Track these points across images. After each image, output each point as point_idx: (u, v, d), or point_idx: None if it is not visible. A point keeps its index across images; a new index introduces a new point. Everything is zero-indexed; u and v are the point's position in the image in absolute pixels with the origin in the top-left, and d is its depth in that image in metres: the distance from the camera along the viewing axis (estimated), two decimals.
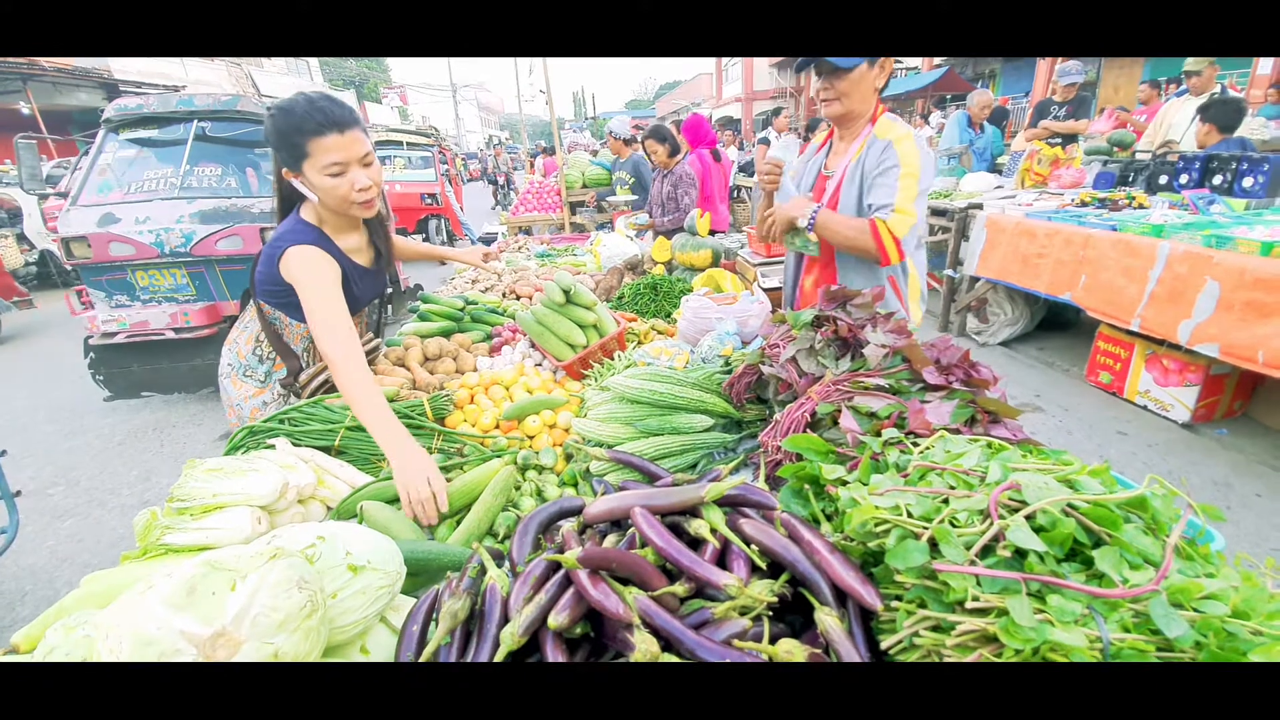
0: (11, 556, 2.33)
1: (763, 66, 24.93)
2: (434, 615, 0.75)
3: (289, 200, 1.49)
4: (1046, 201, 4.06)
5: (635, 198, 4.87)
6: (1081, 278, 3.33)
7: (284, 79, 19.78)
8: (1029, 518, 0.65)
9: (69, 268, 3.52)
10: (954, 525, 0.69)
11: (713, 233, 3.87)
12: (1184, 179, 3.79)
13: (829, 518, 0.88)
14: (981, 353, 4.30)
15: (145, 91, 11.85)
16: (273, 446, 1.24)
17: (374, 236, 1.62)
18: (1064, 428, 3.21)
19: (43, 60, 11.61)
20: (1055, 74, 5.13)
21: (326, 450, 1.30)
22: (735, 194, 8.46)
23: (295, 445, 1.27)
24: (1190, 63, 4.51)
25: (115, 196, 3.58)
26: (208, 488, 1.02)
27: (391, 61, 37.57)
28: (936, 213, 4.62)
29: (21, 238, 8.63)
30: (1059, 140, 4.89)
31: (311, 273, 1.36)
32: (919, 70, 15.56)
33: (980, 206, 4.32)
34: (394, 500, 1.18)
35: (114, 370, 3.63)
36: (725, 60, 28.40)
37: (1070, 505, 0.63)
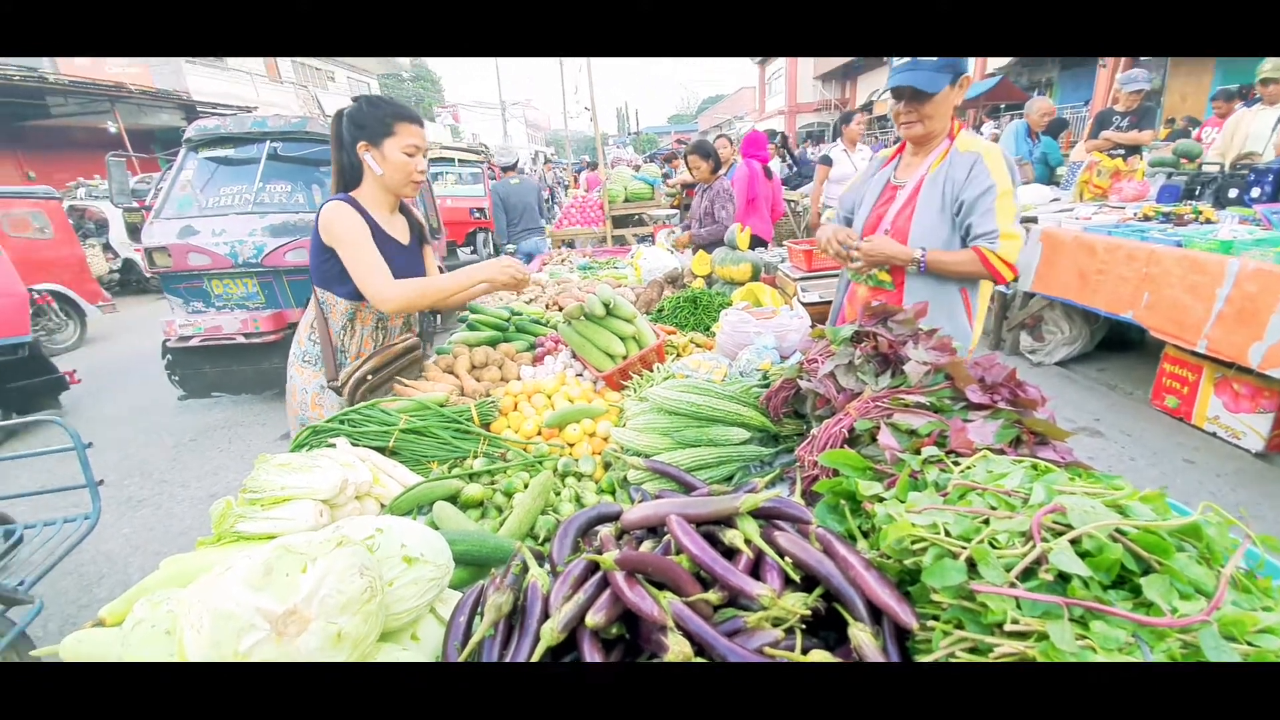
0: (91, 542, 2.49)
1: (806, 79, 24.77)
2: (479, 609, 0.79)
3: (349, 182, 1.72)
4: (1106, 215, 3.88)
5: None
6: (1144, 295, 3.16)
7: (346, 99, 20.97)
8: (1074, 542, 0.64)
9: (150, 276, 3.83)
10: (994, 546, 0.68)
11: (756, 242, 3.87)
12: (1255, 192, 3.56)
13: (865, 535, 0.88)
14: (1036, 372, 4.12)
15: (220, 112, 12.75)
16: (334, 445, 1.32)
17: (410, 220, 1.86)
18: (1126, 454, 3.05)
19: (129, 83, 12.64)
20: (1118, 82, 4.92)
21: (381, 450, 1.38)
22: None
23: (354, 445, 1.35)
24: (1268, 69, 4.24)
25: (194, 210, 3.89)
26: (277, 480, 1.10)
27: (445, 81, 39.29)
28: None
29: (107, 247, 9.41)
30: (1121, 151, 4.67)
31: (344, 224, 1.61)
32: (972, 78, 15.12)
33: (1035, 220, 4.17)
34: (442, 498, 1.24)
35: (188, 371, 3.92)
36: (768, 73, 28.36)
37: (1118, 530, 0.62)
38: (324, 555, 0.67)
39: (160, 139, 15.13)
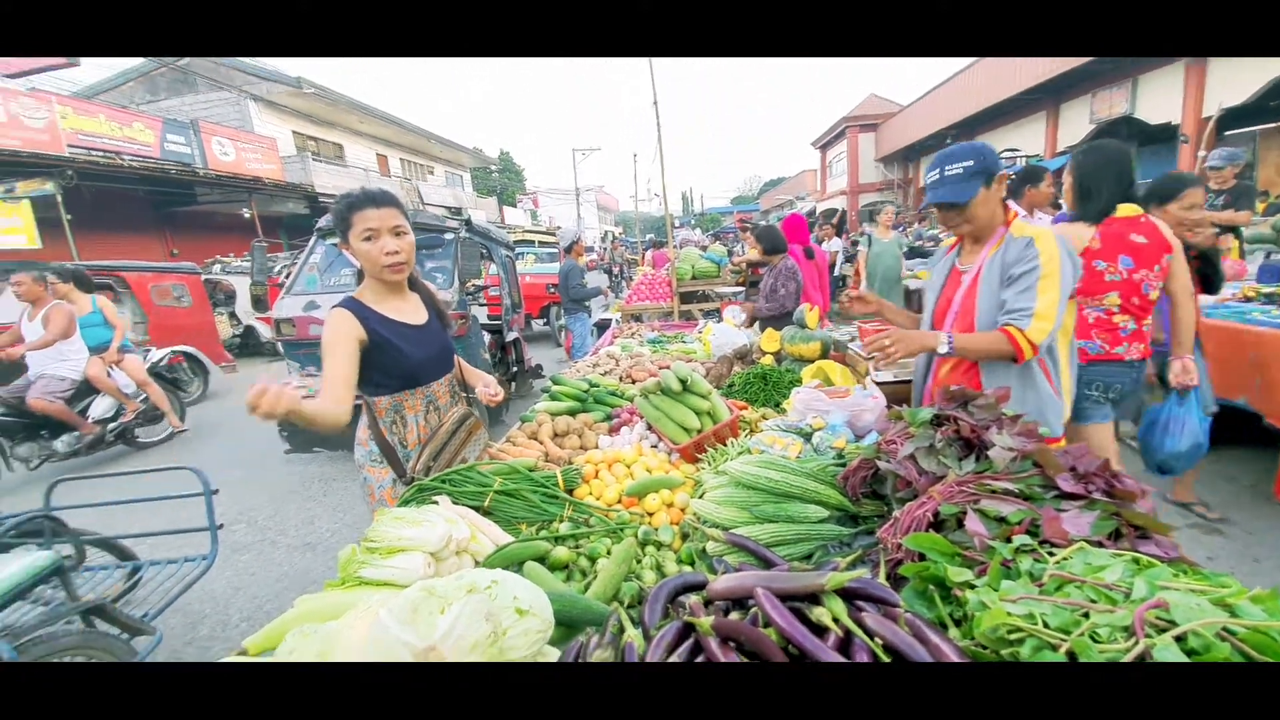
0: (199, 582, 2.72)
1: (868, 160, 25.33)
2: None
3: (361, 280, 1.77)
4: (1203, 295, 3.67)
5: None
6: (1256, 380, 2.92)
7: (443, 190, 23.65)
8: (1179, 639, 0.64)
9: (275, 342, 4.35)
10: (1095, 640, 0.69)
11: None
12: None
13: (956, 623, 0.88)
14: (1140, 460, 3.79)
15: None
16: (436, 502, 1.46)
17: (425, 300, 1.84)
18: (1249, 554, 2.72)
19: (265, 177, 14.72)
20: (1209, 159, 4.76)
21: (477, 509, 1.49)
22: (842, 283, 8.49)
23: (454, 503, 1.48)
24: None
25: (318, 288, 4.45)
26: (394, 532, 1.23)
27: (527, 171, 43.21)
28: None
29: (233, 315, 10.69)
30: (1215, 230, 4.46)
31: (327, 333, 1.60)
32: (1041, 158, 14.98)
33: None
34: (532, 558, 1.32)
35: (296, 427, 4.32)
36: (830, 156, 29.23)
37: (1226, 630, 0.62)
38: (458, 600, 0.76)
39: (286, 225, 17.38)
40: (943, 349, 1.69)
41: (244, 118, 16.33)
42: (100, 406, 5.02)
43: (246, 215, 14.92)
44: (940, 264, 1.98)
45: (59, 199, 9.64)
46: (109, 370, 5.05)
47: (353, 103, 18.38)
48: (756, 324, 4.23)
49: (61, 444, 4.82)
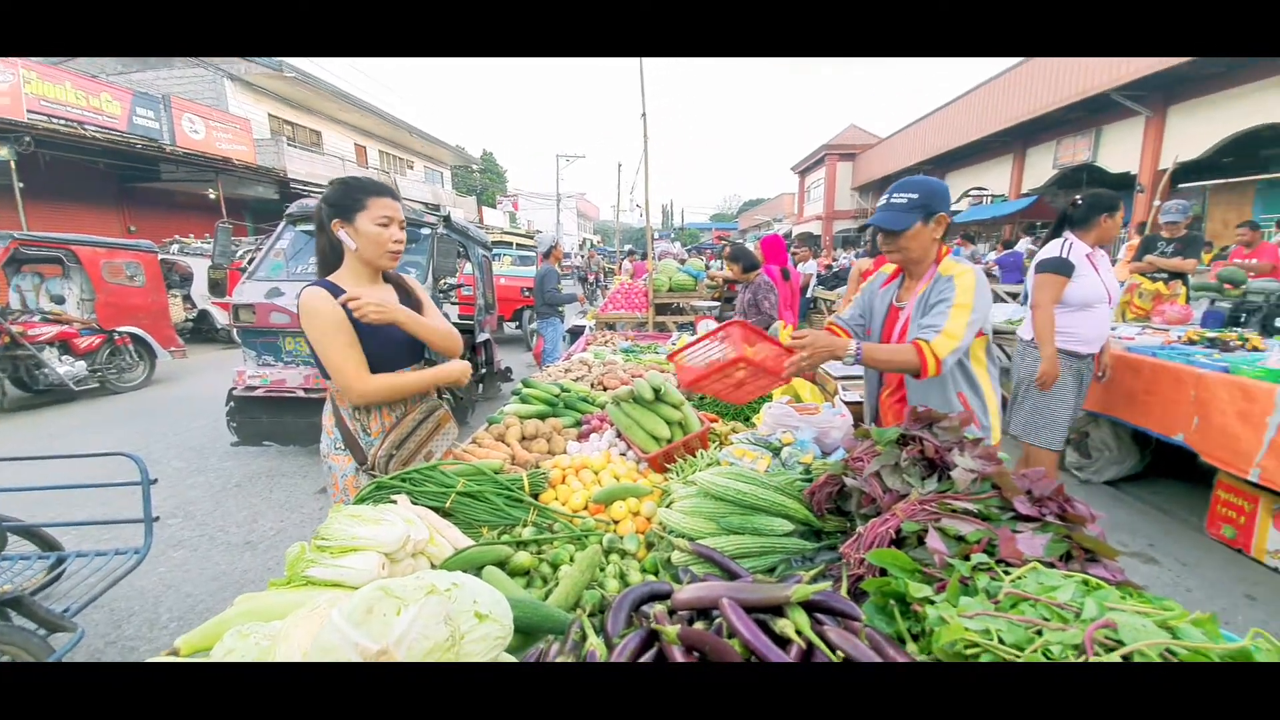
0: (128, 577, 2.55)
1: (845, 188, 26.10)
2: None
3: (331, 264, 1.73)
4: (1150, 337, 3.89)
5: None
6: (1194, 419, 3.09)
7: (421, 185, 23.29)
8: (1125, 658, 0.66)
9: (231, 328, 4.17)
10: (1047, 657, 0.70)
11: None
12: None
13: (915, 638, 0.89)
14: (1084, 490, 3.97)
15: (312, 192, 14.13)
16: (394, 501, 1.41)
17: (399, 289, 1.81)
18: (1181, 584, 2.87)
19: (235, 159, 14.21)
20: (1158, 209, 5.07)
21: (437, 510, 1.45)
22: (814, 305, 8.68)
23: (413, 503, 1.43)
24: None
25: (283, 275, 4.29)
26: (348, 530, 1.18)
27: (509, 173, 42.90)
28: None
29: (188, 298, 10.24)
30: (1163, 276, 4.74)
31: (311, 319, 1.59)
32: (1006, 198, 15.69)
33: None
34: (492, 563, 1.29)
35: (246, 419, 4.14)
36: (809, 182, 29.99)
37: (1169, 650, 0.64)
38: (415, 601, 0.73)
39: (253, 208, 16.78)
40: (848, 360, 1.73)
41: (219, 96, 15.76)
42: None
43: (212, 196, 14.35)
44: (879, 296, 2.04)
45: (12, 165, 9.14)
46: None
47: (335, 90, 17.98)
48: None
49: None
